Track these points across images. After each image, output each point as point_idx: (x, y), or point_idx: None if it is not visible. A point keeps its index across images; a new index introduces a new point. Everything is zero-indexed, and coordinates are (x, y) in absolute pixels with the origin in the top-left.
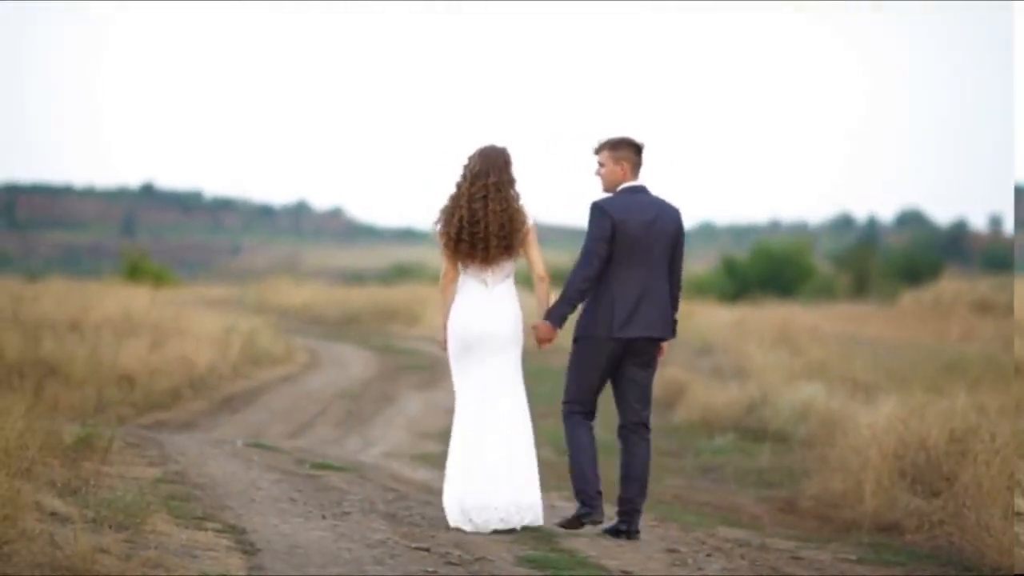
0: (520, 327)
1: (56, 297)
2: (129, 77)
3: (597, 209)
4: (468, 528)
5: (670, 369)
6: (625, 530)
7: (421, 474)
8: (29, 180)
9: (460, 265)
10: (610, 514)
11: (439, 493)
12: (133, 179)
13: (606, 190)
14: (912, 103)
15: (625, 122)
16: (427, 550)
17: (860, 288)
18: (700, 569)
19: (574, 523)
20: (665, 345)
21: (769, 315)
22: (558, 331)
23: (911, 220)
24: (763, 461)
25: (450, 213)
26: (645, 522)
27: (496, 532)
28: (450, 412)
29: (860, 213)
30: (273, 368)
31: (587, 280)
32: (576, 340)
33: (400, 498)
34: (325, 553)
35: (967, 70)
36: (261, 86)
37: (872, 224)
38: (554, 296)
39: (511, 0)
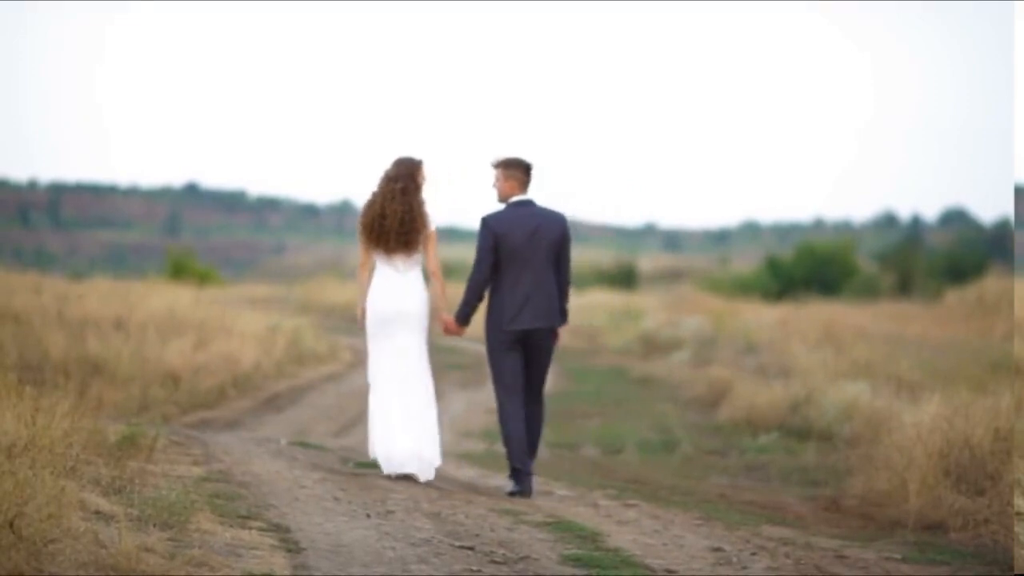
0: (426, 308)
1: (101, 296)
2: (174, 76)
3: (483, 224)
4: (385, 469)
5: (714, 368)
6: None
7: (465, 472)
8: (74, 179)
9: (373, 253)
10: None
11: (483, 492)
12: (177, 178)
13: (499, 201)
14: (959, 102)
15: (669, 122)
16: (471, 549)
17: (904, 287)
18: (744, 568)
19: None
20: (560, 330)
21: (813, 314)
22: (464, 328)
23: (955, 218)
24: (807, 460)
25: (369, 207)
26: (689, 520)
27: (404, 478)
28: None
29: (904, 211)
30: (317, 367)
31: (478, 283)
32: (485, 333)
33: (444, 496)
34: (369, 552)
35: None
36: (305, 85)
37: (916, 222)
38: (453, 291)
39: (569, 1)
